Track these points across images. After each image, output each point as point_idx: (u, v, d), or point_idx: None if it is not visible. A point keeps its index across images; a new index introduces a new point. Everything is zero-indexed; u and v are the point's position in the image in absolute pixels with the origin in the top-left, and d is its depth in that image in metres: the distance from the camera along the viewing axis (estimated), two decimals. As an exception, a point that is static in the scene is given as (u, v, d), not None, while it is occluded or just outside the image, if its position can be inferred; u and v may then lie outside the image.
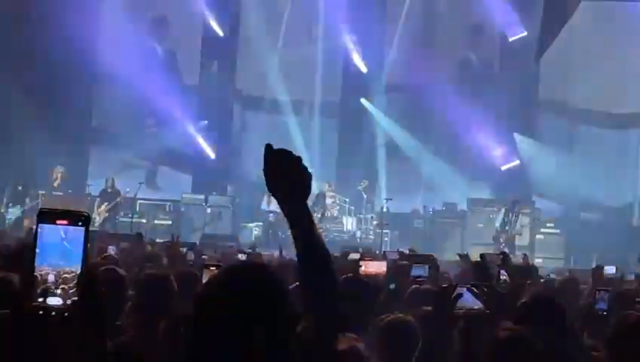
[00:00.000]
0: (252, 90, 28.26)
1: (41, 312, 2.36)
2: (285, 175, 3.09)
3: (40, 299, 2.36)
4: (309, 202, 2.96)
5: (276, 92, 27.73)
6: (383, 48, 27.39)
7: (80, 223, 2.40)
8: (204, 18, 27.98)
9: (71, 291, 2.37)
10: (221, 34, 28.03)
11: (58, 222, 2.39)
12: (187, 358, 2.85)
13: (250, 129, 28.10)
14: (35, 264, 2.37)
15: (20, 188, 25.39)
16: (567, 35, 25.33)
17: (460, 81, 26.80)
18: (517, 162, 26.58)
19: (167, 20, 28.21)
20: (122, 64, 26.48)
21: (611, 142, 25.40)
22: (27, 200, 25.28)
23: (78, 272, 2.38)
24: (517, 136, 26.60)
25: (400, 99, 27.08)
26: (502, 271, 7.49)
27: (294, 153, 3.15)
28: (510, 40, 26.62)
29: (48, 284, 2.36)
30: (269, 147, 3.14)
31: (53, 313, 2.36)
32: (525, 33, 26.38)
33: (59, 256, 2.38)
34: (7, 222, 24.81)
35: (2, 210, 25.22)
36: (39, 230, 2.38)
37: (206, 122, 28.04)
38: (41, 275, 2.36)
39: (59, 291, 2.36)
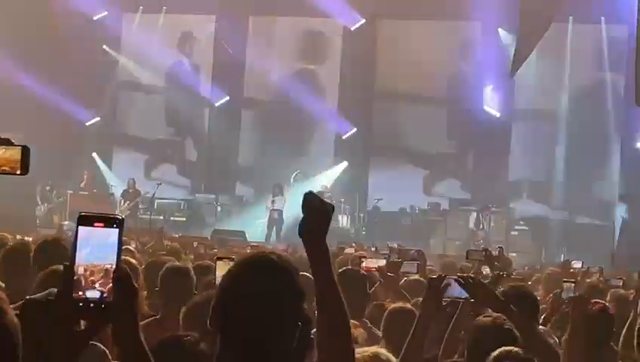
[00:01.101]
0: (258, 102, 28.29)
1: (81, 304, 2.39)
2: (313, 214, 3.06)
3: (80, 292, 2.40)
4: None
5: (279, 103, 27.78)
6: (373, 63, 27.42)
7: (115, 225, 2.44)
8: (215, 40, 28.17)
9: (108, 285, 2.41)
10: (230, 51, 28.15)
11: (96, 224, 2.42)
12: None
13: (257, 135, 28.14)
14: (75, 261, 2.40)
15: (47, 188, 25.47)
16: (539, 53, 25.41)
17: (446, 93, 26.96)
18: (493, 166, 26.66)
19: (191, 40, 28.41)
20: (146, 76, 26.80)
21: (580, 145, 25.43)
22: (55, 199, 25.38)
23: (114, 268, 2.42)
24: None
25: (389, 108, 27.14)
26: (483, 266, 7.55)
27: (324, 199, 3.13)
28: (486, 58, 26.68)
29: (87, 278, 2.40)
30: (309, 194, 3.08)
31: (92, 304, 2.40)
32: (501, 52, 26.46)
33: (96, 254, 2.41)
34: (37, 221, 24.88)
35: (36, 210, 25.31)
36: (79, 231, 2.42)
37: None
38: (81, 271, 2.40)
39: (97, 285, 2.40)
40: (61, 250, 5.81)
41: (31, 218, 24.63)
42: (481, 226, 24.25)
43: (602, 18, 25.29)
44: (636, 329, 3.63)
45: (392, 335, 5.34)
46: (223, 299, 2.90)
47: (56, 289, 2.44)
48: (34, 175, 21.14)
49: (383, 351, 3.84)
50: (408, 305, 5.61)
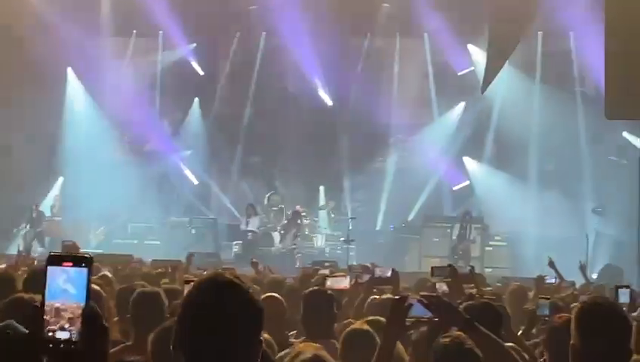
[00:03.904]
0: (231, 122, 28.26)
1: (50, 345, 2.42)
2: None
3: (50, 334, 2.42)
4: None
5: (251, 124, 27.86)
6: (346, 85, 27.44)
7: (83, 264, 2.47)
8: (185, 59, 28.11)
9: (77, 325, 2.43)
10: (201, 73, 28.15)
11: (64, 264, 2.46)
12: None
13: (230, 156, 28.14)
14: (45, 301, 2.43)
15: (34, 214, 25.39)
16: (508, 69, 25.58)
17: (419, 112, 27.11)
18: (467, 182, 26.79)
19: (161, 63, 28.41)
20: (116, 105, 26.85)
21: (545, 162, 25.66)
22: (44, 224, 25.34)
23: (83, 308, 2.44)
24: (466, 160, 26.83)
25: (364, 128, 27.32)
26: (439, 284, 7.62)
27: None
28: (459, 74, 26.84)
29: (57, 319, 2.42)
30: None
31: (62, 345, 2.43)
32: (472, 68, 26.63)
33: (66, 293, 2.44)
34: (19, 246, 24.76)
35: (22, 234, 25.18)
36: (48, 271, 2.45)
37: (189, 152, 28.14)
38: (50, 311, 2.42)
39: (67, 325, 2.42)
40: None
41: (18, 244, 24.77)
42: (468, 236, 24.29)
43: (571, 33, 25.52)
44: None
45: (346, 356, 5.41)
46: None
47: (13, 322, 2.46)
48: (24, 200, 21.37)
49: (324, 353, 3.89)
50: (365, 326, 5.66)
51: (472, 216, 24.74)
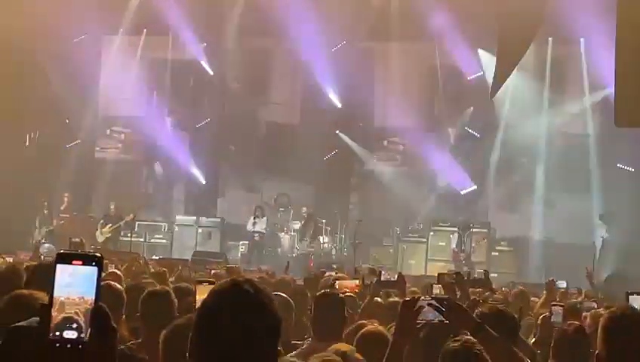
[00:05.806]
0: (238, 121, 28.21)
1: (57, 345, 2.38)
2: None
3: (57, 333, 2.38)
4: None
5: (261, 125, 27.85)
6: (355, 88, 27.39)
7: (93, 263, 2.43)
8: (195, 58, 28.07)
9: (85, 325, 2.39)
10: (211, 73, 28.10)
11: (74, 262, 2.42)
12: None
13: (238, 157, 28.13)
14: (53, 300, 2.39)
15: (45, 211, 25.39)
16: (518, 75, 25.52)
17: (427, 116, 27.12)
18: (474, 187, 26.73)
19: (171, 62, 28.36)
20: (123, 104, 26.91)
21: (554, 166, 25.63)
22: (54, 222, 25.36)
23: (92, 307, 2.40)
24: (474, 163, 26.79)
25: (371, 130, 27.40)
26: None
27: None
28: (468, 79, 26.78)
29: (65, 318, 2.38)
30: None
31: (69, 345, 2.39)
32: (482, 73, 26.56)
33: (74, 292, 2.40)
34: (32, 241, 24.70)
35: (35, 234, 25.16)
36: (57, 269, 2.41)
37: (198, 151, 28.12)
38: (57, 309, 2.39)
39: (74, 325, 2.38)
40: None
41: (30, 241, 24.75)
42: (462, 247, 24.29)
43: (582, 39, 25.46)
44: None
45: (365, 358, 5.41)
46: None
47: (38, 318, 2.42)
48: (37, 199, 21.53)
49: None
50: (380, 328, 5.65)
51: (472, 228, 24.64)
